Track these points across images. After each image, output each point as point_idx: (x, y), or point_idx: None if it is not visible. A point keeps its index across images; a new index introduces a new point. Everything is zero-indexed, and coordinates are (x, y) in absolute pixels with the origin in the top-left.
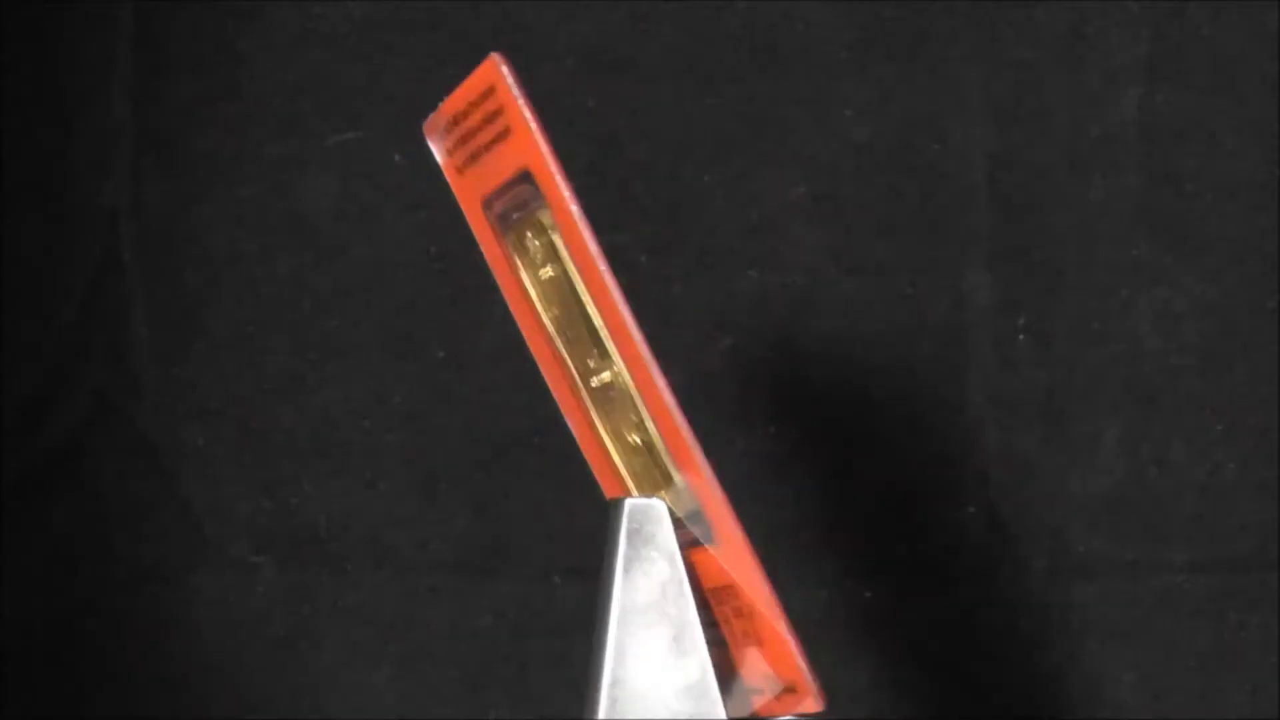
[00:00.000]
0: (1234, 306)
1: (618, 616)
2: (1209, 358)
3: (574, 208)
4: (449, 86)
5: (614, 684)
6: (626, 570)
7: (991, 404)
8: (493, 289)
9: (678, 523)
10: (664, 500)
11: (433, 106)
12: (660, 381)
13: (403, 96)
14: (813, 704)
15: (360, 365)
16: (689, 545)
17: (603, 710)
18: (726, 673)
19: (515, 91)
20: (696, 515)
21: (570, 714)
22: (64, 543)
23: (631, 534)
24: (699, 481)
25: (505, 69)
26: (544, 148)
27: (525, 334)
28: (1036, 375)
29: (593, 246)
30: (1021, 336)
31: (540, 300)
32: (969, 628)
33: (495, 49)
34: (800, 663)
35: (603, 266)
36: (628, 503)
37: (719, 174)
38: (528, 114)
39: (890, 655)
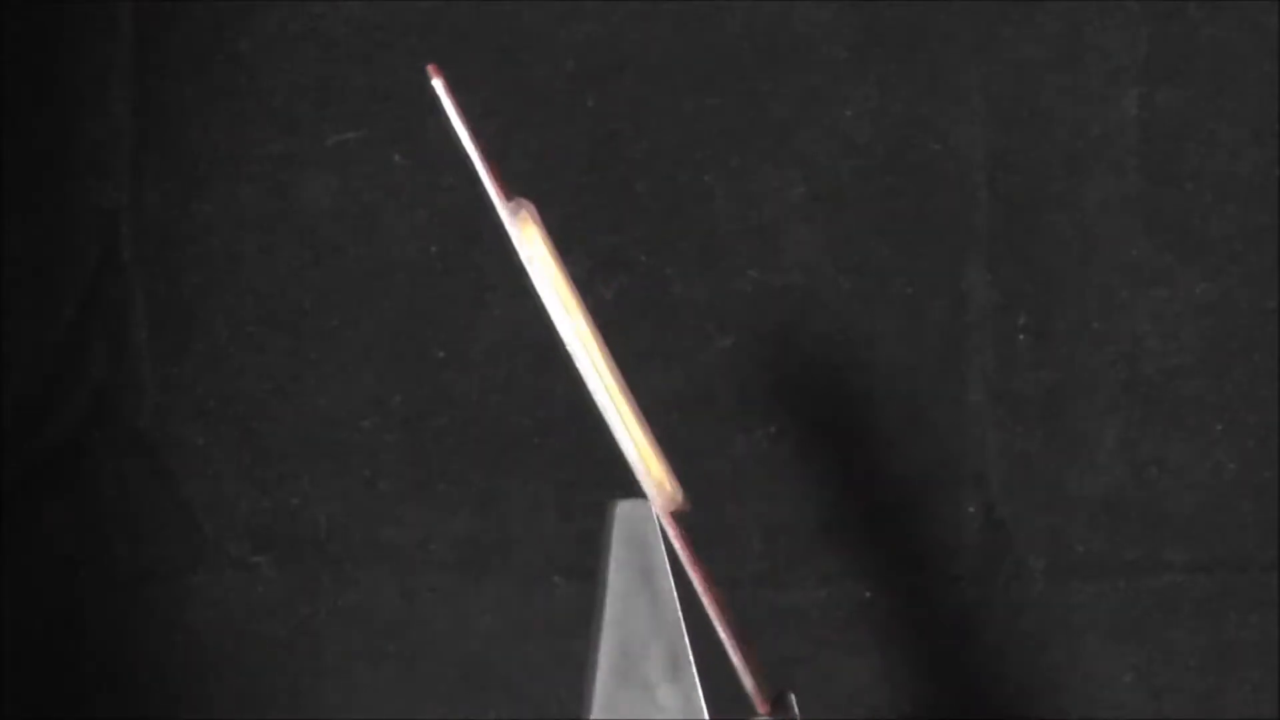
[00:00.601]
0: (1234, 306)
1: (610, 617)
2: (1209, 358)
3: (503, 211)
4: (448, 88)
5: (606, 684)
6: (619, 571)
7: (991, 404)
8: (493, 289)
9: (676, 522)
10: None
11: (432, 107)
12: (595, 382)
13: (403, 96)
14: (759, 705)
15: (360, 365)
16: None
17: (596, 709)
18: (732, 669)
19: (446, 102)
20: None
21: (569, 714)
22: (64, 543)
23: (623, 536)
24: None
25: (437, 81)
26: (472, 153)
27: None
28: (1036, 375)
29: (523, 250)
30: (1021, 336)
31: None
32: (969, 628)
33: (495, 49)
34: (736, 661)
35: (530, 267)
36: (619, 505)
37: (719, 174)
38: (457, 122)
39: (890, 655)
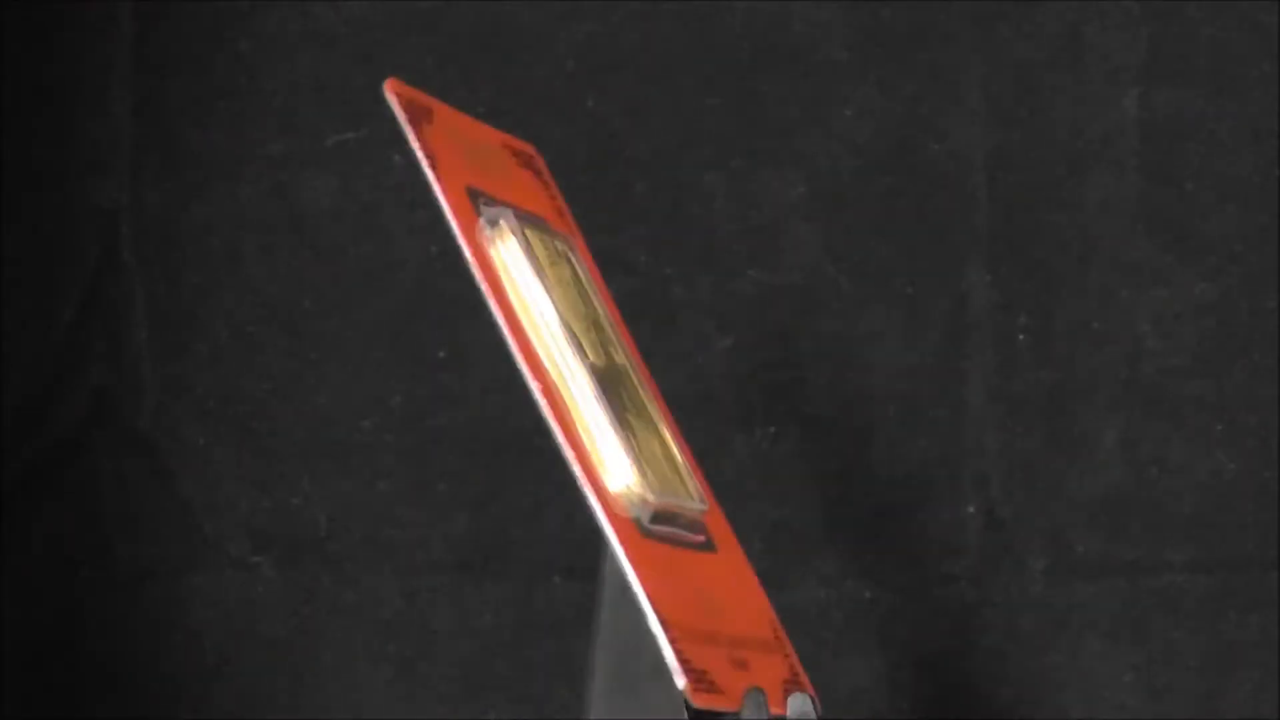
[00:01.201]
0: (1234, 306)
1: (606, 617)
2: (1209, 358)
3: (452, 221)
4: (448, 88)
5: (602, 685)
6: (615, 570)
7: (991, 404)
8: None
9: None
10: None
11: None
12: (524, 376)
13: None
14: (690, 696)
15: (360, 365)
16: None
17: (593, 710)
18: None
19: (401, 118)
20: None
21: (569, 714)
22: (64, 543)
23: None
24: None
25: (392, 96)
26: (425, 167)
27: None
28: (1036, 375)
29: (467, 252)
30: (1021, 336)
31: None
32: (969, 628)
33: (495, 49)
34: (668, 652)
35: (477, 276)
36: None
37: (719, 174)
38: (410, 135)
39: (890, 655)
